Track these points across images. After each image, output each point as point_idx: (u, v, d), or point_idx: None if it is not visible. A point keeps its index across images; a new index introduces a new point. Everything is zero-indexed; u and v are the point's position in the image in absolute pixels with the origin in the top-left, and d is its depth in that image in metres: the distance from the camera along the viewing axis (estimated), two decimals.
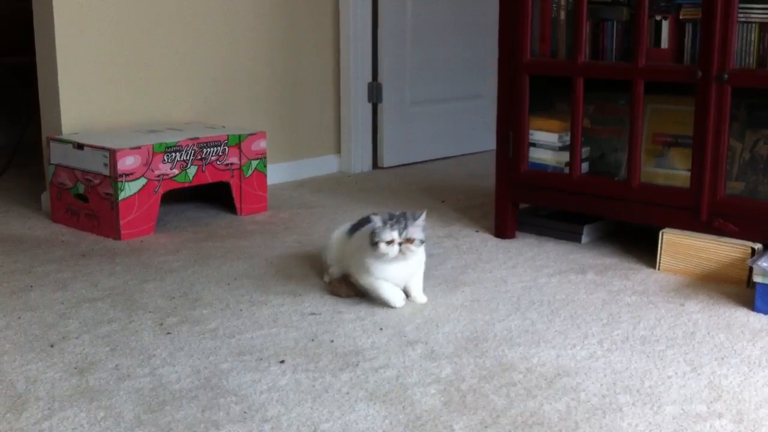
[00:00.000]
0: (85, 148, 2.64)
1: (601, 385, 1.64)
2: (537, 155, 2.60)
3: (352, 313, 2.03)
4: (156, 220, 2.68)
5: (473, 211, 2.96)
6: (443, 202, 3.10)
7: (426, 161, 3.84)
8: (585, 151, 2.58)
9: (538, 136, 2.60)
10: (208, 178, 2.79)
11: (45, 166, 2.85)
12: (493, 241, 2.60)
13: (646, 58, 2.33)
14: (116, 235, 2.59)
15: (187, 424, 1.49)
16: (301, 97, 3.49)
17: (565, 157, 2.56)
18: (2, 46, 3.68)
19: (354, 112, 3.62)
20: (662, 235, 2.31)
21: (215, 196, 3.00)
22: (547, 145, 2.60)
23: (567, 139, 2.54)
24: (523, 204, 2.66)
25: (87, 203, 2.67)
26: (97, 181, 2.62)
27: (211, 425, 1.49)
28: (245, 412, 1.54)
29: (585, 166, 2.59)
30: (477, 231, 2.71)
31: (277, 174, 3.37)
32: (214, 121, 3.19)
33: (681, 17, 2.38)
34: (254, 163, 2.91)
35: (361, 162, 3.66)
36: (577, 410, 1.54)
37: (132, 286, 2.20)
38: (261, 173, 2.94)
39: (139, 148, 2.60)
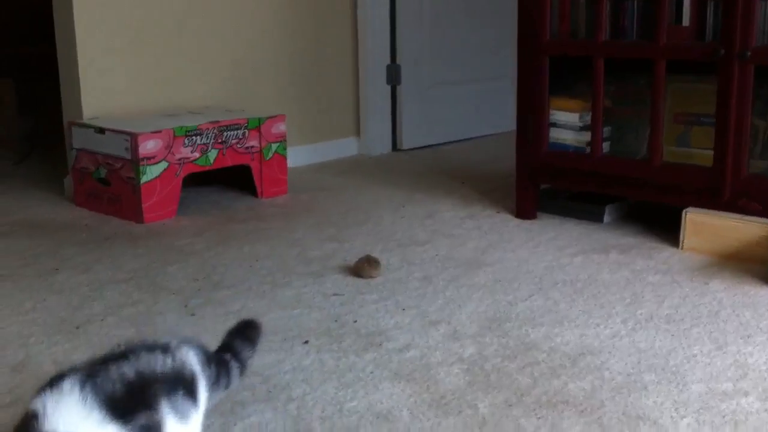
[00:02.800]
0: (106, 132, 2.65)
1: (626, 363, 1.64)
2: (557, 135, 2.59)
3: (374, 293, 2.03)
4: (178, 203, 2.69)
5: (494, 192, 2.95)
6: (463, 183, 3.09)
7: (445, 143, 3.83)
8: (606, 130, 2.56)
9: (558, 116, 2.59)
10: (229, 161, 2.80)
11: (67, 151, 2.87)
12: (514, 222, 2.59)
13: (667, 36, 2.31)
14: (139, 218, 2.61)
15: (212, 404, 1.50)
16: (320, 80, 3.49)
17: (585, 137, 2.54)
18: (17, 36, 3.70)
19: (373, 95, 3.61)
20: (685, 215, 2.29)
21: (235, 180, 3.01)
22: (567, 125, 2.58)
23: (588, 119, 2.53)
24: (544, 185, 2.65)
25: (109, 187, 2.69)
26: (118, 165, 2.63)
27: (236, 405, 1.50)
28: (270, 392, 1.55)
29: (606, 146, 2.57)
30: (498, 212, 2.70)
31: (296, 157, 3.37)
32: (232, 105, 3.20)
33: None
34: (274, 146, 2.92)
35: (381, 144, 3.66)
36: (602, 389, 1.54)
37: (155, 269, 2.21)
38: (281, 156, 2.94)
39: (160, 131, 2.61)
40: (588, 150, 2.52)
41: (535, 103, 2.54)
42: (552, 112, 2.57)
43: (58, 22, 2.86)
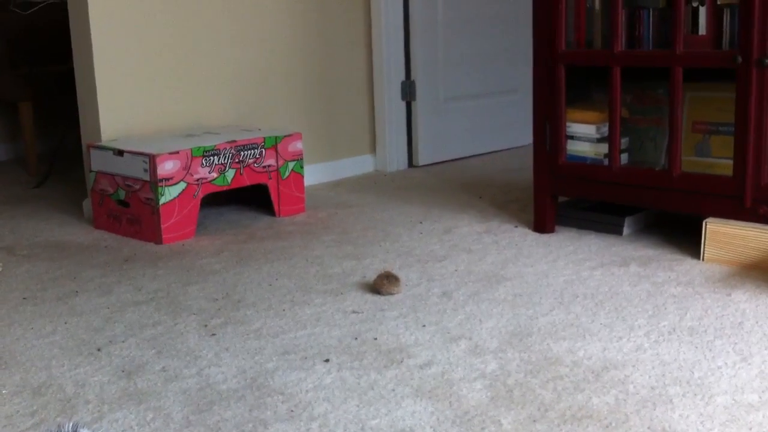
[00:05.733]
0: (124, 154, 2.67)
1: (650, 377, 1.62)
2: (575, 147, 2.58)
3: (394, 310, 2.02)
4: (196, 223, 2.70)
5: (511, 205, 2.94)
6: (480, 197, 3.08)
7: (462, 158, 3.82)
8: (624, 141, 2.55)
9: (575, 128, 2.58)
10: (246, 180, 2.81)
11: (86, 173, 2.89)
12: (532, 236, 2.58)
13: (684, 45, 2.30)
14: (158, 239, 2.62)
15: (235, 424, 1.50)
16: (335, 98, 3.50)
17: (603, 148, 2.53)
18: (41, 55, 3.74)
19: (388, 111, 3.61)
20: (706, 225, 2.27)
21: (252, 199, 3.02)
22: (585, 137, 2.57)
23: (605, 130, 2.52)
24: (562, 197, 2.64)
25: (128, 208, 2.70)
26: (137, 187, 2.65)
27: (259, 424, 1.50)
28: (292, 411, 1.54)
29: (624, 157, 2.56)
30: (516, 226, 2.69)
31: (313, 175, 3.38)
32: (248, 124, 3.21)
33: (718, 2, 2.35)
34: (291, 165, 2.92)
35: (397, 160, 3.66)
36: (626, 403, 1.52)
37: (175, 289, 2.22)
38: (298, 174, 2.95)
39: (178, 152, 2.63)
40: (606, 161, 2.51)
41: (551, 115, 2.53)
42: (569, 124, 2.56)
43: (75, 45, 2.89)
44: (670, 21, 2.32)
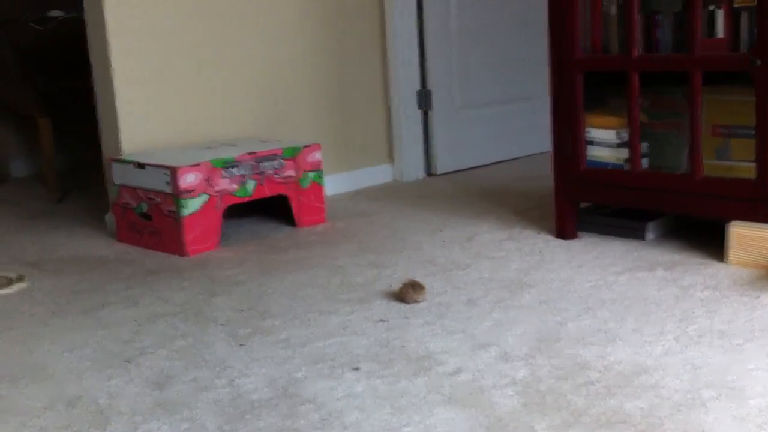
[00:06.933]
0: (146, 167, 2.69)
1: (682, 381, 1.62)
2: (595, 153, 2.58)
3: (420, 318, 2.03)
4: (219, 235, 2.72)
5: (532, 212, 2.94)
6: (500, 205, 3.09)
7: (479, 166, 3.82)
8: (643, 146, 2.55)
9: (594, 133, 2.58)
10: (267, 191, 2.82)
11: (108, 187, 2.91)
12: (555, 242, 2.58)
13: (702, 48, 2.30)
14: (181, 251, 2.63)
15: None
16: (352, 108, 3.51)
17: (623, 153, 2.53)
18: (57, 71, 3.76)
19: (405, 120, 3.62)
20: (729, 228, 2.27)
21: (272, 210, 3.03)
22: (604, 142, 2.57)
23: (624, 135, 2.52)
24: (583, 203, 2.64)
25: (151, 221, 2.71)
26: (159, 199, 2.66)
27: None
28: (324, 419, 1.55)
29: (644, 162, 2.56)
30: (538, 233, 2.69)
31: (331, 185, 3.39)
32: (265, 136, 3.22)
33: (735, 5, 2.35)
34: (311, 175, 2.93)
35: (415, 170, 3.67)
36: (660, 407, 1.52)
37: (201, 301, 2.23)
38: (318, 185, 2.96)
39: (199, 164, 2.64)
40: (626, 166, 2.51)
41: (570, 121, 2.53)
42: (587, 129, 2.56)
43: (94, 59, 2.92)
44: (686, 25, 2.32)
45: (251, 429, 1.52)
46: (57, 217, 3.25)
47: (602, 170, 2.55)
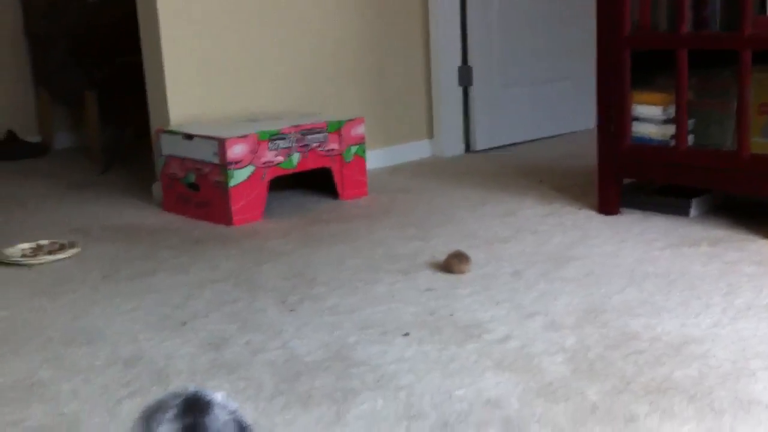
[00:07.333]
0: (194, 138, 2.73)
1: (730, 351, 1.64)
2: (640, 129, 2.58)
3: (467, 288, 2.05)
4: (264, 206, 2.76)
5: (572, 189, 2.95)
6: (541, 181, 3.10)
7: (518, 143, 3.83)
8: (689, 123, 2.54)
9: (640, 110, 2.58)
10: (311, 164, 2.86)
11: (155, 158, 2.96)
12: (597, 218, 2.59)
13: (752, 26, 2.29)
14: (228, 221, 2.68)
15: (325, 392, 1.55)
16: (393, 84, 3.53)
17: (669, 130, 2.53)
18: (103, 46, 3.81)
19: (445, 96, 3.64)
20: None
21: (313, 183, 3.06)
22: (650, 119, 2.57)
23: (671, 111, 2.52)
24: (627, 179, 2.64)
25: (198, 191, 2.76)
26: (207, 170, 2.71)
27: (349, 392, 1.54)
28: (378, 381, 1.58)
29: (690, 139, 2.55)
30: (580, 209, 2.70)
31: (371, 160, 3.41)
32: (306, 110, 3.25)
33: None
34: (354, 149, 2.96)
35: (454, 146, 3.68)
36: (709, 376, 1.54)
37: (249, 269, 2.27)
38: (360, 158, 2.99)
39: (246, 136, 2.68)
40: (672, 143, 2.51)
41: (616, 97, 2.54)
42: (634, 106, 2.56)
43: (144, 33, 2.96)
44: (736, 2, 2.31)
45: (308, 388, 1.57)
46: (102, 188, 3.31)
47: (647, 147, 2.56)
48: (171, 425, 0.91)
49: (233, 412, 0.97)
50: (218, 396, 0.98)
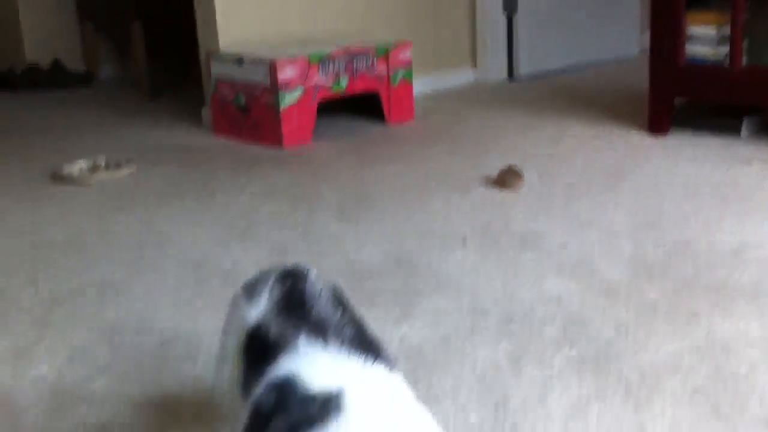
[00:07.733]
0: (244, 61, 2.76)
1: None
2: (693, 49, 2.57)
3: (521, 201, 2.08)
4: (313, 128, 2.79)
5: (621, 111, 2.94)
6: (588, 105, 3.09)
7: (562, 70, 3.81)
8: (744, 43, 2.52)
9: (694, 30, 2.56)
10: (359, 87, 2.88)
11: (204, 81, 2.99)
12: (648, 138, 2.60)
13: None
14: (279, 142, 2.72)
15: (393, 292, 1.60)
16: (437, 11, 3.52)
17: (723, 50, 2.51)
18: None
19: (489, 23, 3.62)
20: None
21: (359, 107, 3.08)
22: (704, 39, 2.55)
23: (725, 31, 2.49)
24: (680, 99, 2.64)
25: (248, 114, 2.80)
26: (258, 92, 2.74)
27: (415, 294, 1.59)
28: (441, 283, 1.63)
29: (744, 60, 2.53)
30: (629, 130, 2.70)
31: (415, 86, 3.42)
32: (355, 35, 3.26)
33: None
34: (401, 73, 2.97)
35: (497, 72, 3.67)
36: (767, 278, 1.57)
37: (305, 185, 2.32)
38: (407, 82, 3.00)
39: (296, 59, 2.70)
40: (726, 63, 2.49)
41: (670, 18, 2.52)
42: (687, 26, 2.54)
43: None
44: None
45: (377, 287, 1.62)
46: (151, 114, 3.36)
47: (701, 66, 2.54)
48: (272, 291, 0.96)
49: (328, 281, 1.02)
50: (313, 269, 1.03)
